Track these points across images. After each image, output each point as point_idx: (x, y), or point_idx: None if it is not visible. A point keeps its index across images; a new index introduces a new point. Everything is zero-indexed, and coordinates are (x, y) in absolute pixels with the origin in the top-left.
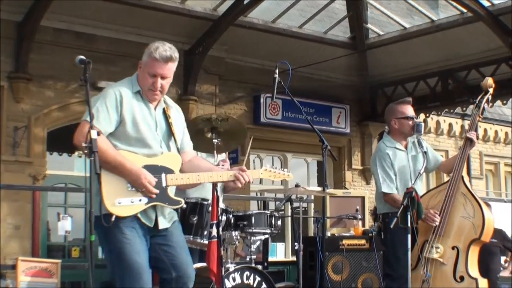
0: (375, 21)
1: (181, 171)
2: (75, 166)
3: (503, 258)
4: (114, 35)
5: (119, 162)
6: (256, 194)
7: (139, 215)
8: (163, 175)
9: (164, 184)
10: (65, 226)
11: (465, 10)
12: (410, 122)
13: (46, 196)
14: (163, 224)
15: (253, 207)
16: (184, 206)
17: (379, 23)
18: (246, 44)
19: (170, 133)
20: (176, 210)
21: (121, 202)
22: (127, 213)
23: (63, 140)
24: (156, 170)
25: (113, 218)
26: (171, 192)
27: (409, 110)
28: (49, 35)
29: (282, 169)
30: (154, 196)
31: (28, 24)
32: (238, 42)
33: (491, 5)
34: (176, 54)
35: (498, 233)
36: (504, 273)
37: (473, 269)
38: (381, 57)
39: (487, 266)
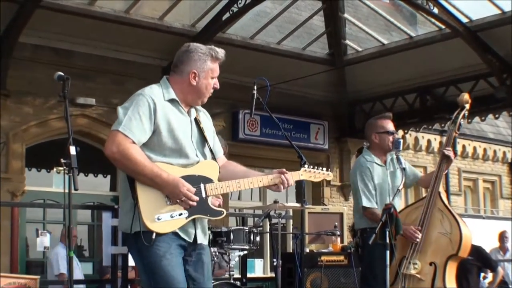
0: (353, 37)
1: (218, 178)
2: (53, 182)
3: (481, 274)
4: (93, 51)
5: (156, 173)
6: (235, 211)
7: (178, 231)
8: (202, 185)
9: (204, 195)
10: (44, 242)
11: (443, 26)
12: (390, 137)
13: (25, 212)
14: (201, 239)
15: (232, 223)
16: None
17: (357, 39)
18: (225, 60)
19: (203, 139)
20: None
21: (161, 218)
22: (167, 229)
23: (42, 156)
24: (194, 180)
25: (153, 236)
26: (212, 203)
27: (390, 125)
28: (28, 51)
29: (321, 168)
30: (195, 204)
31: (6, 40)
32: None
33: (469, 22)
34: None
35: (476, 252)
36: None
37: (451, 285)
38: (359, 73)
39: (465, 285)
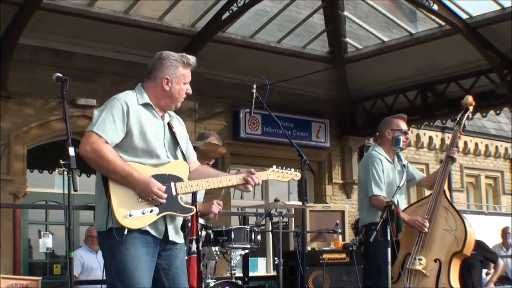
0: (354, 35)
1: (188, 180)
2: (55, 184)
3: (484, 271)
4: (93, 52)
5: (128, 172)
6: (238, 209)
7: (148, 228)
8: (172, 184)
9: (174, 193)
10: (47, 243)
11: (443, 23)
12: (403, 137)
13: (27, 214)
14: (172, 236)
15: (234, 223)
16: None
17: (358, 37)
18: (225, 59)
19: (175, 142)
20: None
21: (133, 214)
22: (139, 225)
23: (43, 157)
24: (165, 179)
25: (125, 232)
26: (182, 200)
27: (404, 125)
28: (28, 53)
29: (289, 168)
30: (164, 201)
31: (6, 42)
32: (216, 58)
33: (469, 18)
34: None
35: (478, 245)
36: (489, 286)
37: (455, 282)
38: (360, 71)
39: (467, 279)
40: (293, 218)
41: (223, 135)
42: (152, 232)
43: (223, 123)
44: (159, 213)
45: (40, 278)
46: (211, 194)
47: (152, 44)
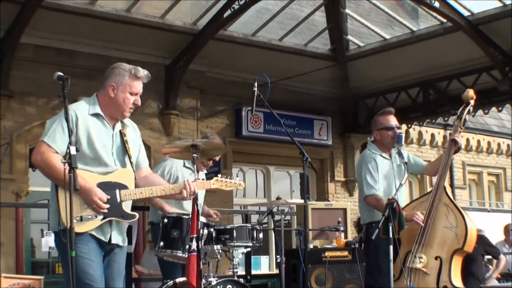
0: (355, 32)
1: (137, 186)
2: None
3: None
4: (95, 51)
5: None
6: (240, 208)
7: (94, 232)
8: (117, 191)
9: (118, 200)
10: (49, 242)
11: (445, 20)
12: (390, 133)
13: (29, 213)
14: (116, 239)
15: (236, 221)
16: (166, 220)
17: (359, 35)
18: (227, 57)
19: (125, 151)
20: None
21: (79, 219)
22: (84, 229)
23: None
24: (110, 186)
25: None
26: (126, 207)
27: (390, 121)
28: (30, 52)
29: (232, 178)
30: (105, 211)
31: (8, 41)
32: (218, 56)
33: (471, 15)
34: None
35: (480, 239)
36: (490, 282)
37: (456, 279)
38: (362, 68)
39: (470, 271)
40: (295, 216)
41: (225, 133)
42: (99, 236)
43: (225, 121)
44: (103, 219)
45: (42, 277)
46: (214, 193)
47: (154, 43)
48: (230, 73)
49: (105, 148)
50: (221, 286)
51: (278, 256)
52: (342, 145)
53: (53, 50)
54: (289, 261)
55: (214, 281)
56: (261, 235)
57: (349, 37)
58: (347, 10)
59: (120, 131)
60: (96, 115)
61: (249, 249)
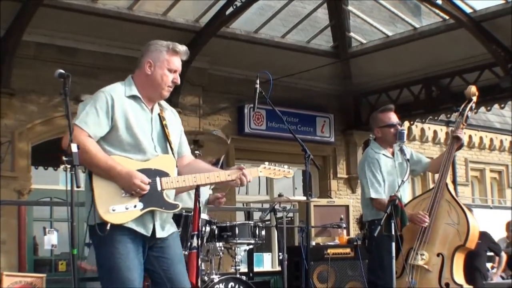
0: (358, 29)
1: (180, 175)
2: (60, 180)
3: (489, 264)
4: (96, 49)
5: (110, 165)
6: (243, 205)
7: (134, 227)
8: (157, 179)
9: (159, 188)
10: (51, 240)
11: (447, 17)
12: (392, 130)
13: (32, 211)
14: (160, 233)
15: (239, 218)
16: None
17: (362, 32)
18: (229, 55)
19: (165, 136)
20: (176, 221)
21: (116, 209)
22: (122, 220)
23: (47, 154)
24: (150, 173)
25: (108, 227)
26: (168, 196)
27: (391, 118)
28: (31, 49)
29: (281, 165)
30: (145, 192)
31: (10, 39)
32: (221, 53)
33: (473, 12)
34: None
35: (484, 235)
36: (495, 279)
37: (458, 276)
38: (364, 65)
39: (475, 267)
40: (297, 213)
41: (227, 130)
42: (140, 229)
43: (228, 119)
44: (143, 209)
45: (44, 275)
46: (216, 190)
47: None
48: (233, 70)
49: (144, 133)
50: (223, 284)
51: (280, 253)
52: (344, 142)
53: (54, 48)
54: (292, 258)
55: (216, 278)
56: (263, 232)
57: (352, 34)
58: (349, 7)
59: (158, 114)
60: (133, 97)
61: (251, 246)
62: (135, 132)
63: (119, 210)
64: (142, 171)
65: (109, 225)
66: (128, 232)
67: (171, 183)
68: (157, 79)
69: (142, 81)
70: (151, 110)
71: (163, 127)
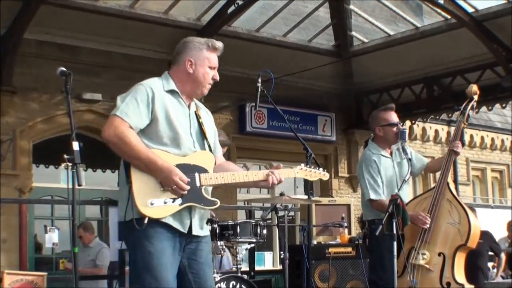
0: (359, 28)
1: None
2: (61, 178)
3: (490, 264)
4: (98, 47)
5: (151, 159)
6: (244, 204)
7: (171, 222)
8: (196, 175)
9: (198, 184)
10: (53, 238)
11: (449, 17)
12: (394, 129)
13: (33, 209)
14: (196, 230)
15: (240, 217)
16: None
17: (363, 31)
18: (231, 53)
19: (202, 133)
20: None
21: (154, 203)
22: (160, 214)
23: (49, 152)
24: (189, 169)
25: (146, 221)
26: (206, 192)
27: (393, 117)
28: (33, 47)
29: (318, 168)
30: (185, 193)
31: (12, 37)
32: (222, 52)
33: (475, 11)
34: None
35: (485, 234)
36: (497, 279)
37: (460, 275)
38: (365, 64)
39: (477, 266)
40: (299, 212)
41: (229, 129)
42: (177, 225)
43: (229, 117)
44: (181, 204)
45: (45, 273)
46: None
47: (157, 38)
48: (234, 69)
49: (183, 128)
50: (225, 282)
51: (281, 252)
52: (346, 141)
53: (56, 46)
54: (293, 257)
55: (218, 277)
56: (264, 231)
57: (353, 33)
58: (351, 6)
59: (195, 112)
60: (171, 91)
61: (252, 245)
62: (175, 126)
63: (158, 204)
64: (181, 165)
65: (146, 219)
66: (165, 229)
67: (210, 180)
68: (199, 77)
69: (182, 79)
70: (188, 107)
71: (199, 124)
